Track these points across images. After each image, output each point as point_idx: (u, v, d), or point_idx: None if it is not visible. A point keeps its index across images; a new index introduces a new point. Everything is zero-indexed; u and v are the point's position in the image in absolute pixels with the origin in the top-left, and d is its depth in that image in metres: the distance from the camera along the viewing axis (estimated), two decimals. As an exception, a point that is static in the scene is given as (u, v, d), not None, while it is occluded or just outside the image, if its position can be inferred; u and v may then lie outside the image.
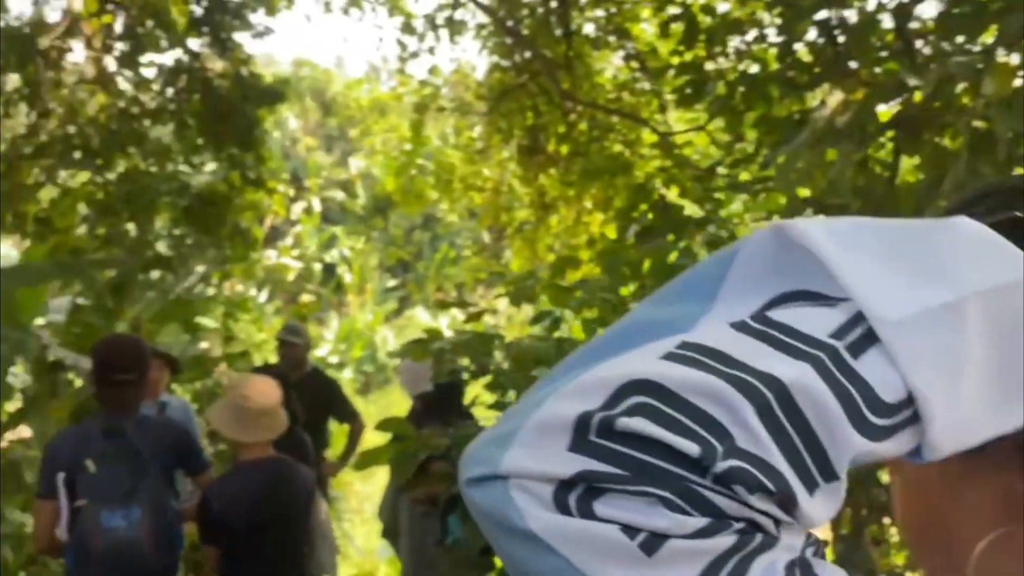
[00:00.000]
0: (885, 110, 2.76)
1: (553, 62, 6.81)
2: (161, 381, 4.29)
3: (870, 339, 0.42)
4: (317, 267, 20.43)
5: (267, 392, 2.79)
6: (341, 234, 22.11)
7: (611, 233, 7.95)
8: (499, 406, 2.40)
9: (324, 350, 21.08)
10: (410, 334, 24.33)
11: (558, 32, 7.07)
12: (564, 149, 7.75)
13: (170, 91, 6.93)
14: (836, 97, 2.06)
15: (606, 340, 0.47)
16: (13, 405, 6.31)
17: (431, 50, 7.71)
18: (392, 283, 23.45)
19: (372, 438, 5.33)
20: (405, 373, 3.80)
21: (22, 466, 5.10)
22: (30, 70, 6.76)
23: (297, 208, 21.62)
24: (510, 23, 6.99)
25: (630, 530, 0.39)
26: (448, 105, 8.19)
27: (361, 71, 31.34)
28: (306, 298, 21.43)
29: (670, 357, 0.42)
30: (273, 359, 8.43)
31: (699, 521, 0.39)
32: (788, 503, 0.39)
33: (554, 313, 2.54)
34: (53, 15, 7.12)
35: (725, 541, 0.39)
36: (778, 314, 0.44)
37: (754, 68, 3.92)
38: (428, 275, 21.78)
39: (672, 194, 4.37)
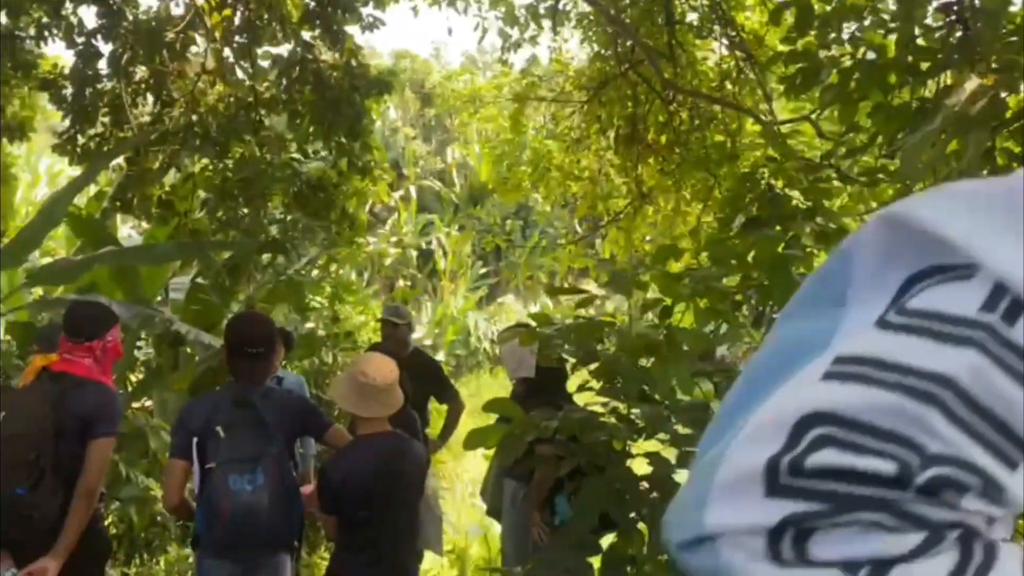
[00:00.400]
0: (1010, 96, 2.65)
1: (655, 51, 6.75)
2: (278, 356, 4.52)
3: (1020, 306, 0.40)
4: (413, 253, 20.88)
5: (386, 370, 2.92)
6: (437, 221, 22.52)
7: (710, 223, 7.86)
8: (607, 392, 2.44)
9: (418, 333, 21.58)
10: (501, 320, 24.64)
11: (661, 21, 7.01)
12: (664, 138, 7.69)
13: (284, 81, 7.21)
14: (972, 83, 1.99)
15: (759, 372, 0.47)
16: (135, 376, 6.75)
17: (532, 40, 7.76)
18: (484, 270, 23.77)
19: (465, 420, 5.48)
20: (508, 356, 3.88)
21: (147, 434, 5.43)
22: (156, 61, 7.16)
23: (395, 196, 22.11)
24: (612, 12, 6.96)
25: (851, 566, 0.39)
26: (547, 94, 8.23)
27: (458, 62, 31.68)
28: (402, 283, 21.92)
29: (830, 377, 0.41)
30: (374, 340, 8.73)
31: (915, 537, 0.38)
32: (994, 492, 0.39)
33: (664, 301, 2.55)
34: (177, 9, 7.52)
35: (948, 560, 0.38)
36: (917, 301, 0.43)
37: (870, 55, 3.81)
38: (520, 263, 21.95)
39: (778, 184, 4.29)
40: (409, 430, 3.42)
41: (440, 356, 20.58)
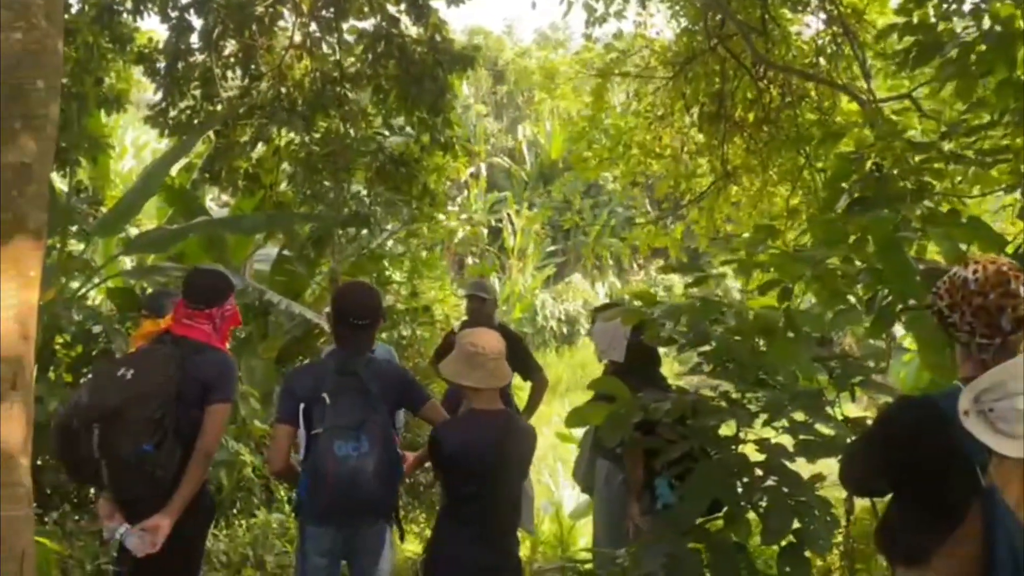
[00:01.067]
0: None
1: (747, 25, 6.54)
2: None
3: None
4: (484, 231, 20.94)
5: (494, 341, 2.92)
6: (510, 199, 22.54)
7: (797, 204, 7.62)
8: (720, 376, 2.36)
9: (487, 310, 21.71)
10: (568, 299, 24.46)
11: (754, -6, 6.79)
12: (751, 116, 7.48)
13: (369, 56, 7.23)
14: None
15: None
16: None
17: (618, 14, 7.61)
18: (552, 249, 23.72)
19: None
20: (599, 337, 3.80)
21: (236, 400, 5.56)
22: (246, 35, 7.27)
23: (466, 173, 22.15)
24: (703, -15, 6.77)
25: None
26: (632, 70, 8.07)
27: (530, 38, 31.46)
28: (471, 260, 22.05)
29: None
30: (449, 315, 8.77)
31: None
32: None
33: (785, 283, 2.44)
34: (265, -17, 7.57)
35: None
36: None
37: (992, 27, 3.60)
38: (589, 242, 21.84)
39: (885, 165, 4.13)
40: (506, 406, 3.41)
41: (508, 333, 20.70)
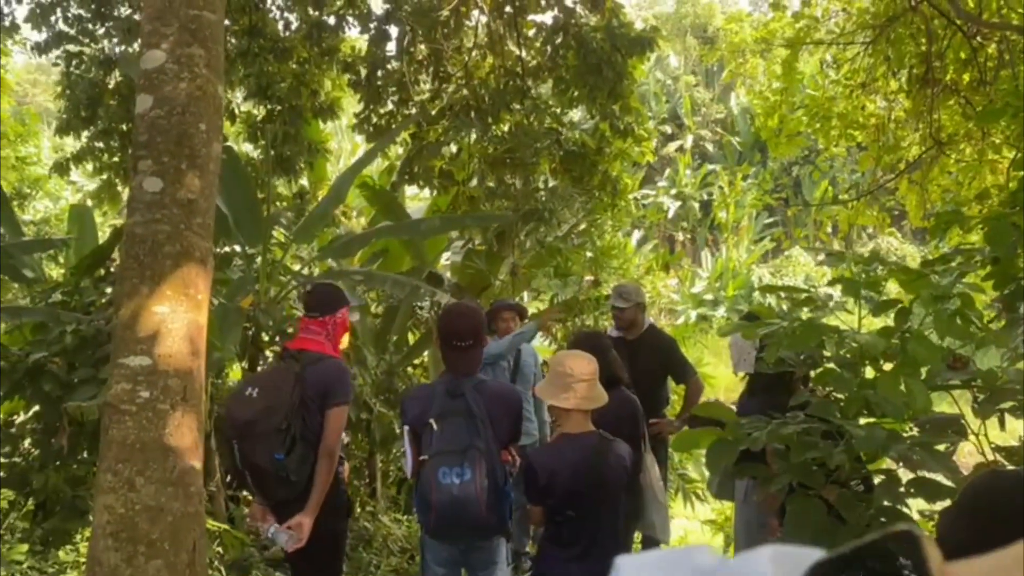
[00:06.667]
0: None
1: (955, -23, 5.83)
2: (511, 329, 4.76)
3: None
4: (695, 205, 20.41)
5: (584, 364, 2.87)
6: (721, 172, 21.76)
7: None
8: (823, 408, 2.16)
9: (698, 287, 21.21)
10: (788, 274, 23.13)
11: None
12: (966, 77, 6.69)
13: (548, 49, 7.32)
14: None
15: None
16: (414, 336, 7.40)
17: (811, -22, 7.09)
18: (769, 220, 22.61)
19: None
20: (732, 349, 3.63)
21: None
22: (434, 38, 7.64)
23: (673, 146, 21.58)
24: (903, -63, 6.13)
25: None
26: (826, 38, 7.48)
27: (745, 2, 29.99)
28: (682, 236, 21.55)
29: None
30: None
31: None
32: None
33: (901, 303, 2.17)
34: (452, -15, 7.87)
35: None
36: None
37: None
38: (807, 214, 20.57)
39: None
40: (625, 410, 3.37)
41: (720, 311, 20.08)
